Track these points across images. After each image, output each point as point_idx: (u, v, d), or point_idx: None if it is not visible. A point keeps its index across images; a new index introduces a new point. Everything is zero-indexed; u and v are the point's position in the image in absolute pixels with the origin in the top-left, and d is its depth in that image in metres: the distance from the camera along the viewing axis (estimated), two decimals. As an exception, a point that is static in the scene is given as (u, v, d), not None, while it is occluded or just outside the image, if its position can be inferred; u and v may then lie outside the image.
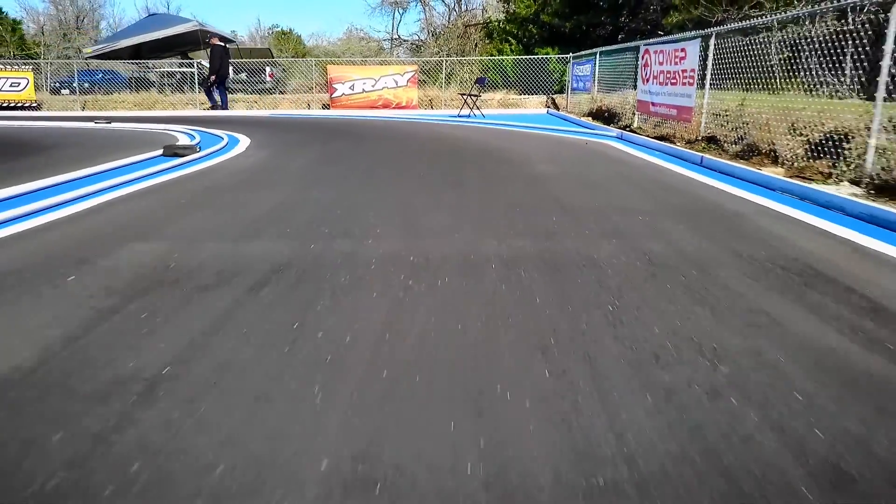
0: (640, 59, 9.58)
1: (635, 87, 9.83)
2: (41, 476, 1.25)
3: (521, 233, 3.24)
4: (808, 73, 5.61)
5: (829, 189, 4.38)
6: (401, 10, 32.02)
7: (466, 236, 3.18)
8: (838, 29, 5.16)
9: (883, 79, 4.37)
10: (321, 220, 3.53)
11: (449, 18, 29.40)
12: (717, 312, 2.12)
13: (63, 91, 17.92)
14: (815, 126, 5.51)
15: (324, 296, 2.28)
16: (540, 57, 16.68)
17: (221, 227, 3.38)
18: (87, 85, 17.51)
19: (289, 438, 1.38)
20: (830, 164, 5.05)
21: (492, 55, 20.11)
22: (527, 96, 16.03)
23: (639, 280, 2.47)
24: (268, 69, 18.72)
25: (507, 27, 21.24)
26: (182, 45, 17.79)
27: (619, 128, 9.60)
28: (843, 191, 4.41)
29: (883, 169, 4.38)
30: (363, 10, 52.30)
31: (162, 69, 17.37)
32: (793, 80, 5.84)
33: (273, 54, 24.20)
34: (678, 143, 7.40)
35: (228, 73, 14.49)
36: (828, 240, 3.14)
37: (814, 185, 4.52)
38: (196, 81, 15.74)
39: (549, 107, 15.41)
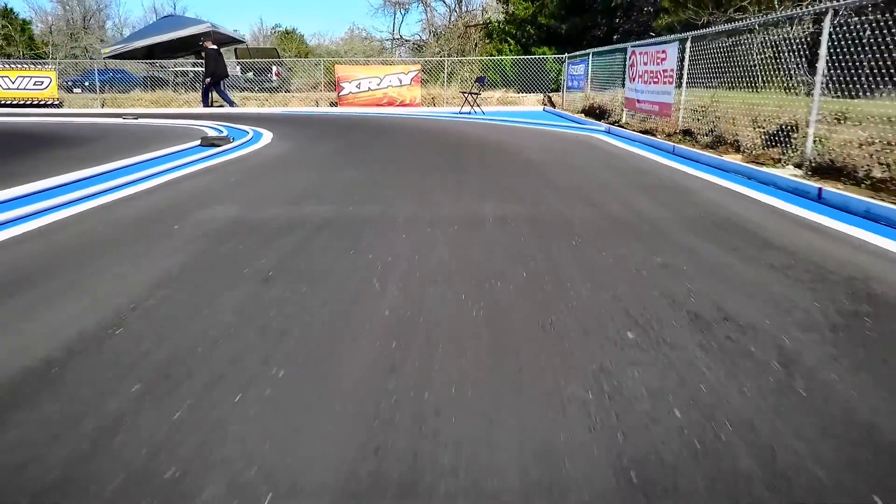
0: (627, 59, 10.42)
1: (624, 85, 10.67)
2: (217, 321, 2.08)
3: (512, 201, 4.08)
4: (774, 72, 6.42)
5: (773, 171, 5.21)
6: (402, 11, 32.86)
7: (469, 203, 4.02)
8: (808, 33, 5.97)
9: (818, 78, 5.20)
10: (352, 192, 4.37)
11: (450, 19, 30.24)
12: (650, 246, 2.96)
13: (75, 90, 18.75)
14: (773, 119, 6.35)
15: (367, 236, 3.12)
16: (537, 57, 17.54)
17: (274, 197, 4.22)
18: (98, 83, 18.35)
19: (363, 301, 2.23)
20: (781, 151, 5.89)
21: (491, 55, 20.94)
22: (525, 94, 16.87)
23: (600, 228, 3.32)
24: (274, 68, 19.55)
25: (507, 28, 22.08)
26: (195, 45, 18.60)
27: (610, 123, 10.43)
28: (787, 172, 5.24)
29: (818, 154, 5.23)
30: (366, 10, 53.13)
31: (176, 68, 18.21)
32: (770, 79, 6.64)
33: (279, 54, 25.02)
34: (659, 136, 8.23)
35: (226, 74, 15.33)
36: (754, 205, 3.98)
37: (763, 168, 5.35)
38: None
39: (545, 104, 16.25)
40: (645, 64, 9.53)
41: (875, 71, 4.68)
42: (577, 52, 14.49)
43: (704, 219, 3.54)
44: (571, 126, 10.74)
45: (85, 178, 4.85)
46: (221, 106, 15.04)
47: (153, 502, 1.18)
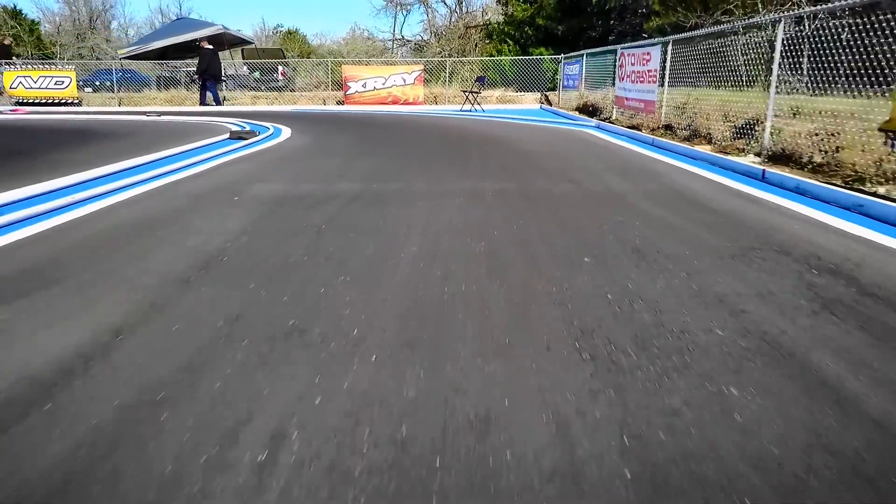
0: (617, 60, 11.21)
1: (614, 84, 11.47)
2: (292, 252, 2.89)
3: (507, 180, 4.89)
4: (742, 72, 7.22)
5: (735, 158, 6.01)
6: (404, 12, 33.67)
7: (471, 182, 4.83)
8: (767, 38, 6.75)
9: (773, 79, 6.00)
10: (373, 174, 5.18)
11: (450, 20, 31.02)
12: (614, 210, 3.77)
13: (86, 89, 19.52)
14: (741, 115, 7.15)
15: (391, 204, 3.93)
16: (535, 57, 18.33)
17: (309, 177, 5.03)
18: (108, 83, 19.15)
19: (396, 243, 3.03)
20: (746, 142, 6.69)
21: (491, 55, 21.73)
22: (523, 93, 17.66)
23: (576, 199, 4.12)
24: (280, 68, 20.33)
25: (506, 28, 22.86)
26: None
27: (601, 120, 11.22)
28: (747, 160, 6.03)
29: (774, 144, 6.03)
30: (368, 11, 53.96)
31: (188, 69, 19.00)
32: (741, 78, 7.43)
33: (284, 55, 25.80)
34: (644, 131, 9.02)
35: (219, 73, 16.07)
36: (707, 183, 4.79)
37: (727, 157, 6.15)
38: (225, 82, 17.47)
39: (542, 103, 17.04)
40: (632, 65, 10.32)
41: (822, 71, 5.48)
42: (573, 53, 15.28)
43: (663, 193, 4.35)
44: (565, 122, 11.54)
45: (139, 165, 5.65)
46: (208, 105, 15.75)
47: (286, 335, 1.98)
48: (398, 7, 32.84)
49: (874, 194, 4.05)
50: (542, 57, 18.37)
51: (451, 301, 2.25)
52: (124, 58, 18.79)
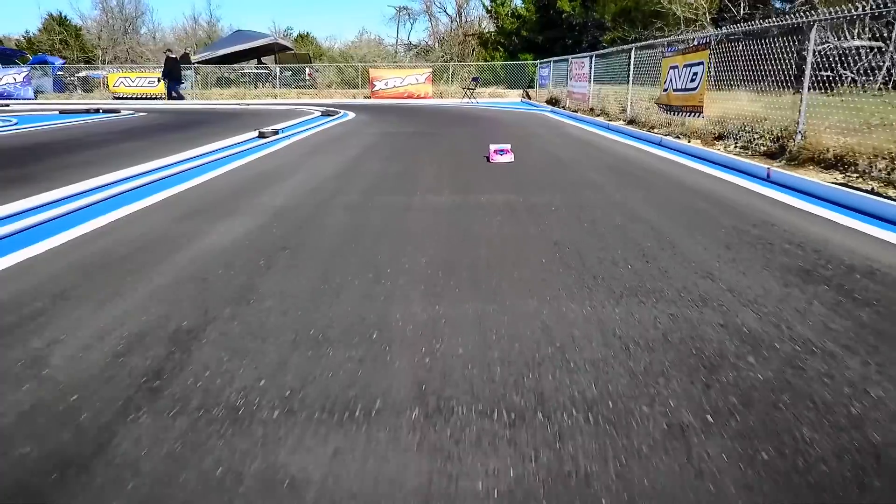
0: (569, 65, 16.28)
1: (567, 83, 16.52)
2: (396, 148, 7.97)
3: (485, 129, 9.96)
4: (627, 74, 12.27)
5: (610, 122, 11.06)
6: (411, 21, 38.72)
7: (467, 129, 9.89)
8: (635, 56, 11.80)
9: (631, 79, 11.06)
10: (418, 127, 10.26)
11: (451, 28, 36.06)
12: (530, 136, 8.84)
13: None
14: (625, 100, 12.23)
15: (431, 135, 9.01)
16: (520, 62, 23.40)
17: (386, 127, 10.11)
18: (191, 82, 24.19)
19: (436, 143, 8.12)
20: (623, 114, 11.77)
21: (486, 59, 26.81)
22: (509, 90, 22.72)
23: (516, 133, 9.20)
24: (307, 70, 25.37)
25: (497, 38, 27.94)
26: (260, 53, 24.48)
27: (558, 107, 16.29)
28: (618, 123, 11.09)
29: (632, 114, 11.09)
30: (379, 20, 59.02)
31: (245, 70, 24.05)
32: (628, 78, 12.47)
33: (311, 59, 30.83)
34: (580, 112, 14.09)
35: (180, 77, 20.68)
36: (582, 130, 9.87)
37: (607, 121, 11.20)
38: (273, 81, 22.58)
39: (523, 97, 22.10)
40: (577, 69, 15.40)
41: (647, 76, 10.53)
42: (544, 60, 20.35)
43: (557, 132, 9.42)
44: (534, 109, 16.63)
45: (299, 122, 10.70)
46: (167, 98, 20.24)
47: (415, 150, 7.03)
48: (406, 16, 37.87)
49: (651, 132, 9.11)
50: (525, 62, 23.45)
51: (460, 149, 7.33)
52: (197, 62, 23.81)
